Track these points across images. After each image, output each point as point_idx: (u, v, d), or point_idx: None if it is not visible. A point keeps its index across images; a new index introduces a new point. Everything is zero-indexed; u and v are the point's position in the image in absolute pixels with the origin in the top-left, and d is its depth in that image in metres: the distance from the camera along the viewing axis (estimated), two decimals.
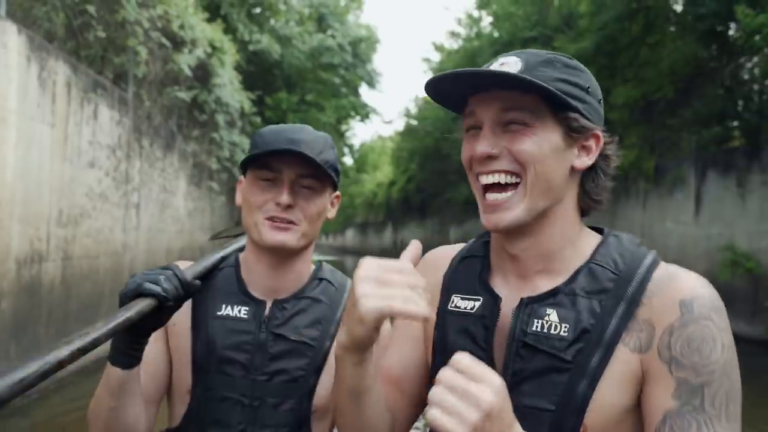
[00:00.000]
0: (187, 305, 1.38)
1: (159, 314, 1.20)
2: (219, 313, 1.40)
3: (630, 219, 15.74)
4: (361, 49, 22.64)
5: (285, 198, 1.36)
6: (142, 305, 1.16)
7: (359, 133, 63.63)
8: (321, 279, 1.49)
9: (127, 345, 1.21)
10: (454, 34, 27.62)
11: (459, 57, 23.69)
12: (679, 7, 12.55)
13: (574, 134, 1.06)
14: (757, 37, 9.14)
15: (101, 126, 8.16)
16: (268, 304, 1.41)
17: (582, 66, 1.11)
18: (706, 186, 12.95)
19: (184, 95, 10.54)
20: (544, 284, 1.08)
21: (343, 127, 26.29)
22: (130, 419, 1.28)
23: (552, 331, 1.01)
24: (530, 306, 1.04)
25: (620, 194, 15.85)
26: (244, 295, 1.42)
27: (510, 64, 1.05)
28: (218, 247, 1.52)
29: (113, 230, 8.66)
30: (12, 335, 6.08)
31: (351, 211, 69.64)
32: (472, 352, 0.95)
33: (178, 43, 10.13)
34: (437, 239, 37.78)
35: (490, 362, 1.04)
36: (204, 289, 1.40)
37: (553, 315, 1.03)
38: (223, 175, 14.84)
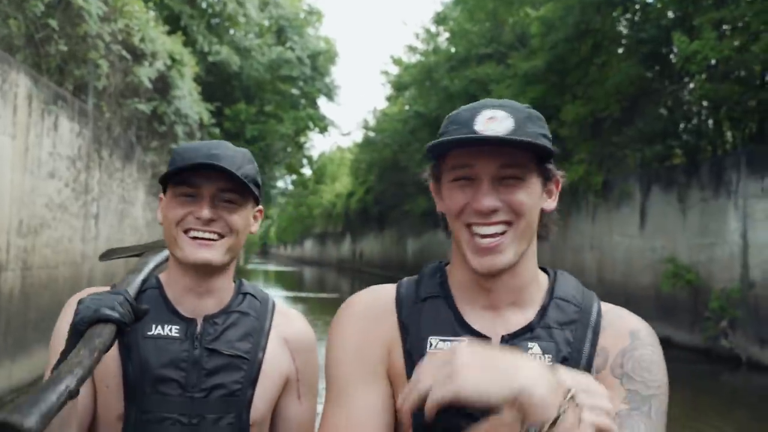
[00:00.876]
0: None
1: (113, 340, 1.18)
2: (150, 333, 1.37)
3: (581, 231, 16.34)
4: (319, 61, 22.93)
5: (206, 212, 1.35)
6: (105, 333, 1.13)
7: (318, 144, 63.78)
8: (245, 293, 1.50)
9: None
10: (411, 49, 28.11)
11: (416, 71, 24.18)
12: (624, 30, 13.16)
13: (547, 181, 1.17)
14: (692, 63, 9.73)
15: (61, 137, 8.23)
16: (199, 321, 1.41)
17: (538, 113, 1.18)
18: (650, 201, 13.58)
19: (144, 107, 10.64)
20: (515, 317, 1.15)
21: (302, 139, 26.48)
22: None
23: None
24: (511, 342, 1.11)
25: (571, 207, 16.45)
26: (172, 314, 1.40)
27: (499, 119, 1.10)
28: (133, 267, 1.50)
29: (72, 240, 8.71)
30: None
31: (310, 221, 69.49)
32: None
33: (138, 56, 10.24)
34: (395, 250, 38.13)
35: None
36: None
37: (535, 348, 1.10)
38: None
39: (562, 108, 15.17)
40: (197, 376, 1.36)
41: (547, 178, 1.16)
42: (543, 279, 1.21)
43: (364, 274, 44.25)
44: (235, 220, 1.39)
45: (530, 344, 1.10)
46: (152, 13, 10.75)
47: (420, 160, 22.29)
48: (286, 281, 37.94)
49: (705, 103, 12.00)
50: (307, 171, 32.19)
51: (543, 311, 1.15)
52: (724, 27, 10.47)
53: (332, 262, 61.58)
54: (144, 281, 1.45)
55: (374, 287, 1.28)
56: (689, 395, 8.75)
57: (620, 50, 13.39)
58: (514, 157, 1.10)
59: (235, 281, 1.52)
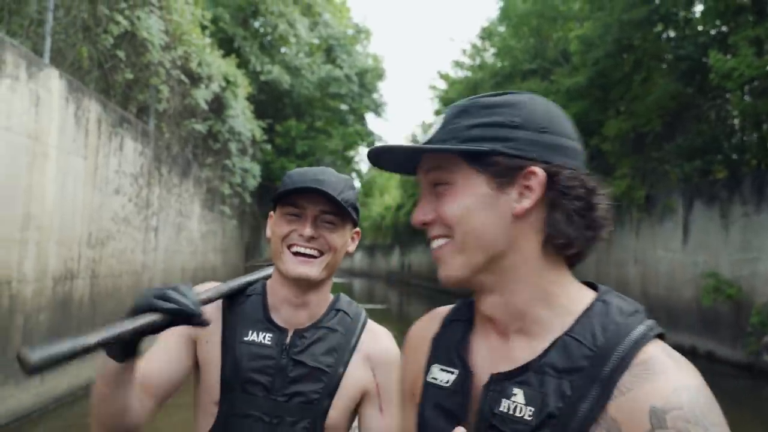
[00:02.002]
0: (217, 325, 1.55)
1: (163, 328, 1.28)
2: (246, 339, 1.52)
3: (625, 246, 16.38)
4: (367, 79, 23.56)
5: (308, 230, 1.50)
6: (153, 318, 1.23)
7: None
8: (338, 310, 1.61)
9: (125, 342, 1.24)
10: (458, 64, 28.51)
11: (462, 87, 24.53)
12: (664, 47, 13.30)
13: (503, 178, 0.95)
14: (729, 80, 9.87)
15: (126, 156, 8.96)
16: (290, 332, 1.53)
17: (512, 100, 1.00)
18: (692, 216, 13.60)
19: (200, 127, 11.36)
20: (521, 349, 0.96)
21: (351, 153, 27.16)
22: (119, 407, 1.34)
23: (517, 414, 0.90)
24: (500, 383, 0.94)
25: (616, 222, 16.41)
26: (268, 323, 1.54)
27: (435, 123, 1.03)
28: (243, 275, 1.65)
29: (134, 251, 9.42)
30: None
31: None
32: (445, 430, 0.97)
33: (195, 79, 10.98)
34: None
35: None
36: (233, 314, 1.56)
37: (519, 396, 0.91)
38: (234, 200, 15.63)
39: (605, 123, 15.33)
40: (281, 382, 1.49)
41: (500, 174, 0.95)
42: (580, 303, 0.96)
43: (411, 286, 44.58)
44: (334, 239, 1.53)
45: (516, 390, 0.92)
46: (208, 40, 11.43)
47: None
48: (336, 292, 38.49)
49: (746, 119, 12.03)
50: (356, 184, 32.79)
51: (548, 350, 0.93)
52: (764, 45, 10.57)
53: (381, 274, 62.08)
54: (249, 284, 1.61)
55: (436, 310, 1.20)
56: (730, 410, 8.84)
57: (663, 66, 13.49)
58: (433, 161, 1.01)
59: (333, 296, 1.65)
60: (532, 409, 0.89)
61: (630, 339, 0.89)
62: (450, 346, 1.06)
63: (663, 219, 14.57)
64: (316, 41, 22.69)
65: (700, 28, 11.58)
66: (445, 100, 29.91)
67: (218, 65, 12.10)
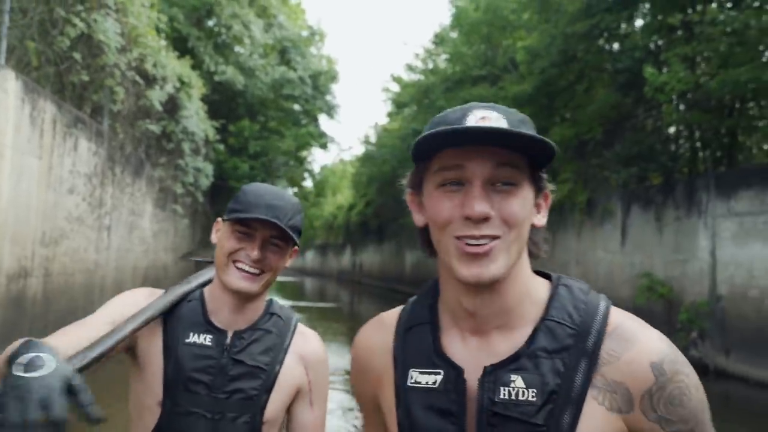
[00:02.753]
0: (158, 329, 1.64)
1: None
2: (187, 341, 1.61)
3: (566, 247, 17.06)
4: (321, 81, 23.83)
5: (256, 254, 1.59)
6: None
7: (321, 157, 64.53)
8: (272, 313, 1.73)
9: None
10: (411, 68, 28.98)
11: (414, 90, 25.00)
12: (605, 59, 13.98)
13: (539, 192, 1.08)
14: (661, 93, 10.53)
15: (80, 156, 9.05)
16: (229, 334, 1.64)
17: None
18: (630, 219, 14.31)
19: (155, 127, 11.47)
20: (502, 343, 1.05)
21: (303, 154, 27.32)
22: None
23: (520, 398, 0.99)
24: (494, 373, 1.02)
25: (558, 225, 17.22)
26: (208, 325, 1.64)
27: (493, 119, 1.01)
28: (186, 279, 1.75)
29: (87, 250, 9.51)
30: (0, 342, 6.92)
31: (311, 233, 70.02)
32: (443, 429, 1.03)
33: (150, 80, 11.09)
34: (394, 262, 38.72)
35: None
36: (173, 318, 1.64)
37: (518, 381, 1.00)
38: (187, 199, 15.70)
39: (549, 129, 15.94)
40: (222, 380, 1.58)
41: (539, 189, 1.07)
42: (542, 293, 1.09)
43: (363, 285, 44.90)
44: (277, 260, 1.64)
45: (513, 377, 1.00)
46: (163, 42, 11.54)
47: None
48: (287, 291, 38.47)
49: (680, 128, 12.77)
50: (308, 184, 33.00)
51: (533, 336, 1.03)
52: (697, 59, 11.28)
53: (333, 273, 62.22)
54: (188, 293, 1.70)
55: (380, 316, 1.26)
56: None
57: (603, 77, 14.18)
58: (510, 158, 1.01)
59: (267, 300, 1.77)
60: (534, 390, 0.99)
61: (599, 313, 1.05)
62: (424, 350, 1.10)
63: (603, 222, 15.26)
64: (270, 42, 22.82)
65: (638, 42, 12.23)
66: (398, 103, 30.37)
67: (173, 66, 12.21)
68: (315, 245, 76.30)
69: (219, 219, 1.71)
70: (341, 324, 19.62)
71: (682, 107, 12.43)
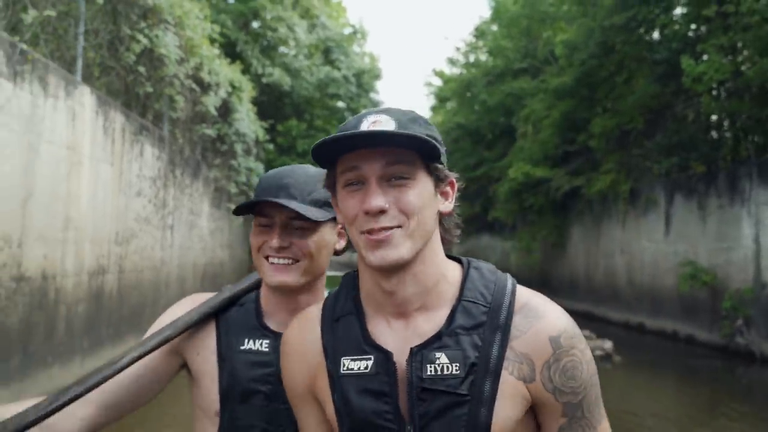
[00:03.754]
0: (212, 335, 1.53)
1: None
2: (242, 348, 1.48)
3: (611, 237, 17.22)
4: (364, 79, 24.37)
5: (275, 242, 1.44)
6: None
7: None
8: None
9: None
10: (452, 61, 29.27)
11: (455, 85, 25.30)
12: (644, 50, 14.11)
13: (440, 183, 1.17)
14: (698, 83, 10.70)
15: (146, 161, 9.76)
16: None
17: (425, 118, 1.20)
18: (673, 208, 14.42)
19: (210, 131, 12.16)
20: (425, 323, 1.16)
21: None
22: None
23: (445, 372, 1.09)
24: (420, 353, 1.11)
25: (603, 215, 17.40)
26: (264, 329, 1.50)
27: (383, 122, 1.12)
28: (238, 282, 1.65)
29: (154, 248, 10.24)
30: (85, 333, 7.65)
31: None
32: (378, 409, 1.11)
33: (205, 87, 11.76)
34: None
35: (397, 412, 1.11)
36: (226, 324, 1.53)
37: (442, 357, 1.10)
38: (240, 198, 16.43)
39: (592, 121, 16.12)
40: (282, 389, 1.40)
41: (438, 178, 1.17)
42: (455, 273, 1.21)
43: None
44: (306, 245, 1.46)
45: (437, 354, 1.11)
46: (216, 51, 12.21)
47: (463, 168, 23.43)
48: (335, 285, 39.26)
49: (722, 117, 12.84)
50: None
51: (451, 316, 1.14)
52: (735, 47, 11.38)
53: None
54: (238, 296, 1.58)
55: (302, 313, 1.32)
56: (708, 389, 9.69)
57: (642, 68, 14.30)
58: (399, 156, 1.11)
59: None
60: (457, 364, 1.09)
61: (508, 291, 1.17)
62: (353, 338, 1.18)
63: (647, 211, 15.39)
64: (314, 42, 23.44)
65: (676, 32, 12.37)
66: (441, 97, 30.71)
67: (225, 73, 12.88)
68: None
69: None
70: None
71: (723, 95, 12.53)
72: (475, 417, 1.08)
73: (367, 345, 1.16)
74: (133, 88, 8.98)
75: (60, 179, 6.97)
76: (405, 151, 1.11)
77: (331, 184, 1.21)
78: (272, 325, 1.52)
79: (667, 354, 12.64)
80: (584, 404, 1.15)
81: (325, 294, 1.54)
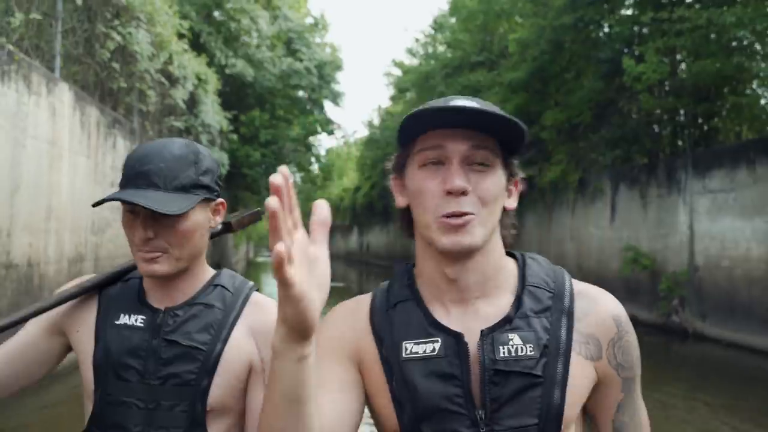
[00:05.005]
0: (92, 311, 1.47)
1: None
2: (117, 322, 1.44)
3: (562, 224, 18.14)
4: (326, 70, 24.81)
5: (141, 234, 1.38)
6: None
7: (327, 141, 65.28)
8: (216, 285, 1.50)
9: None
10: (411, 52, 29.91)
11: (414, 77, 25.95)
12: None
13: (511, 177, 1.18)
14: (638, 82, 11.59)
15: (118, 153, 10.18)
16: (162, 312, 1.45)
17: None
18: (618, 197, 15.36)
19: (179, 123, 12.58)
20: (489, 309, 1.15)
21: (311, 140, 28.45)
22: None
23: (520, 353, 1.09)
24: (491, 335, 1.10)
25: (554, 203, 18.32)
26: (141, 305, 1.46)
27: (469, 103, 1.10)
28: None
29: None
30: None
31: None
32: (447, 392, 1.09)
33: (173, 81, 12.17)
34: (400, 242, 39.79)
35: (468, 396, 1.08)
36: (108, 300, 1.48)
37: (515, 338, 1.10)
38: None
39: (543, 113, 16.95)
40: (154, 365, 1.40)
41: (510, 174, 1.18)
42: (512, 266, 1.22)
43: (371, 266, 46.00)
44: (173, 234, 1.40)
45: (510, 335, 1.10)
46: (185, 46, 12.60)
47: None
48: None
49: (661, 113, 13.80)
50: (315, 169, 34.17)
51: (518, 300, 1.15)
52: (672, 49, 12.30)
53: (340, 254, 63.38)
54: (123, 273, 1.54)
55: (353, 300, 1.28)
56: (649, 363, 10.55)
57: (588, 66, 15.18)
58: (483, 141, 1.11)
59: (218, 270, 1.56)
60: (531, 345, 1.09)
61: (567, 279, 1.19)
62: (416, 322, 1.15)
63: (594, 200, 16.31)
64: (276, 32, 23.78)
65: (617, 34, 13.26)
66: (400, 87, 31.33)
67: (192, 66, 13.28)
68: None
69: None
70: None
71: (662, 93, 13.47)
72: (549, 399, 1.08)
73: (432, 328, 1.13)
74: (107, 83, 9.38)
75: (43, 172, 7.41)
76: (488, 138, 1.12)
77: (400, 164, 1.21)
78: (152, 301, 1.47)
79: None
80: (636, 381, 1.20)
81: (210, 271, 1.53)
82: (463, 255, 1.12)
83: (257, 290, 1.55)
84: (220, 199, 1.52)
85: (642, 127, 13.61)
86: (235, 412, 1.46)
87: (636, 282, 14.31)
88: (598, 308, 1.17)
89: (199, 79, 14.00)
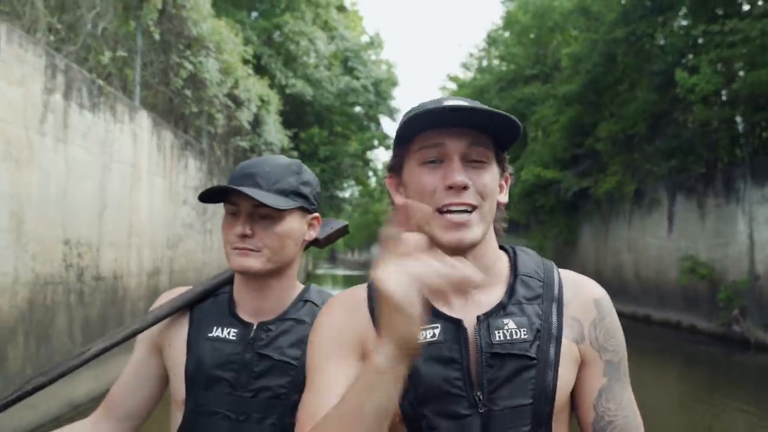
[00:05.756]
0: (184, 326, 1.53)
1: None
2: (210, 335, 1.48)
3: (619, 235, 18.13)
4: (382, 87, 25.43)
5: (239, 229, 1.44)
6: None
7: (384, 155, 65.87)
8: (306, 300, 1.53)
9: None
10: (466, 67, 30.25)
11: (469, 91, 26.27)
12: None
13: (502, 172, 1.23)
14: (691, 94, 11.67)
15: (189, 173, 10.91)
16: (254, 326, 1.48)
17: None
18: (675, 207, 15.32)
19: (244, 143, 13.31)
20: (485, 297, 1.19)
21: (368, 155, 29.12)
22: None
23: (515, 336, 1.14)
24: (486, 321, 1.15)
25: (610, 214, 18.33)
26: (233, 318, 1.50)
27: (462, 102, 1.15)
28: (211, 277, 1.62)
29: (196, 251, 11.39)
30: None
31: (375, 227, 71.64)
32: (448, 375, 1.12)
33: (238, 103, 12.90)
34: None
35: (467, 379, 1.12)
36: (200, 314, 1.53)
37: (510, 323, 1.15)
38: None
39: (598, 125, 17.06)
40: (246, 377, 1.43)
41: (503, 169, 1.23)
42: (504, 258, 1.27)
43: None
44: (269, 236, 1.45)
45: (505, 320, 1.15)
46: (250, 70, 13.34)
47: None
48: (355, 284, 40.01)
49: (719, 123, 13.76)
50: (373, 182, 34.83)
51: (511, 289, 1.20)
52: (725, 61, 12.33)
53: None
54: (216, 287, 1.58)
55: (349, 290, 1.30)
56: (707, 374, 10.60)
57: (642, 78, 15.26)
58: (480, 138, 1.15)
59: (305, 285, 1.60)
60: (525, 329, 1.15)
61: (554, 269, 1.26)
62: None
63: (651, 210, 16.30)
64: (333, 51, 24.54)
65: (670, 47, 13.34)
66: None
67: (255, 88, 14.02)
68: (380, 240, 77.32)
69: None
70: None
71: (718, 103, 13.45)
72: (543, 380, 1.13)
73: (432, 314, 1.16)
74: (180, 108, 10.11)
75: (125, 193, 8.11)
76: (483, 135, 1.16)
77: (397, 164, 1.23)
78: (242, 314, 1.51)
79: (672, 342, 13.57)
80: (621, 366, 1.22)
81: (299, 286, 1.58)
82: (466, 250, 1.16)
83: None
84: (317, 214, 1.58)
85: (698, 137, 13.60)
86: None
87: (694, 291, 14.23)
88: (580, 293, 1.23)
89: (262, 101, 14.73)
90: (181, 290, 1.57)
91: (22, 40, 5.74)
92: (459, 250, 1.13)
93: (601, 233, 19.18)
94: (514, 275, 1.23)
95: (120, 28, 7.90)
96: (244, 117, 12.70)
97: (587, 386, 1.20)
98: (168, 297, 1.56)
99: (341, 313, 1.22)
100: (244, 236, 1.44)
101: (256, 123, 14.76)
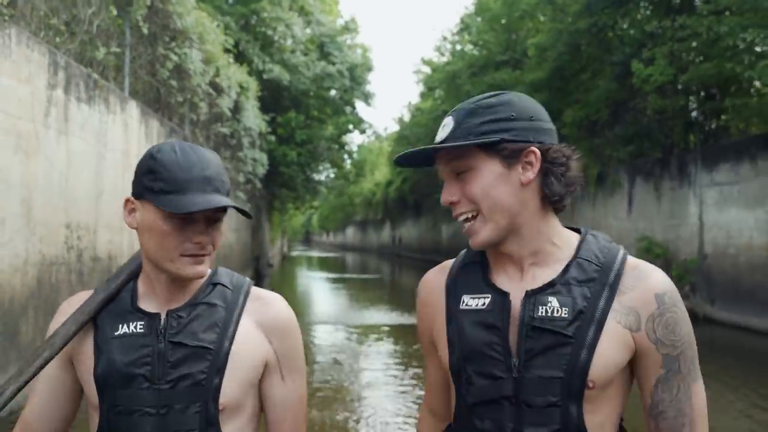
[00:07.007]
0: (89, 332, 1.44)
1: None
2: (117, 333, 1.40)
3: (583, 216, 19.01)
4: (357, 72, 25.99)
5: (202, 238, 1.36)
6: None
7: (359, 138, 66.23)
8: (215, 284, 1.47)
9: None
10: (440, 51, 30.87)
11: (442, 76, 26.92)
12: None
13: (511, 159, 1.25)
14: (646, 84, 12.52)
15: None
16: (163, 316, 1.41)
17: (505, 99, 1.29)
18: (635, 189, 16.25)
19: (225, 129, 13.87)
20: (540, 274, 1.29)
21: (344, 138, 29.71)
22: None
23: (555, 314, 1.23)
24: (534, 296, 1.25)
25: (577, 196, 19.08)
26: (138, 312, 1.42)
27: (447, 125, 1.29)
28: (117, 271, 1.50)
29: None
30: None
31: (351, 209, 72.15)
32: (489, 340, 1.26)
33: (219, 91, 13.46)
34: (431, 235, 40.79)
35: (506, 345, 1.25)
36: (103, 316, 1.44)
37: (554, 302, 1.23)
38: (247, 186, 18.14)
39: (565, 111, 17.85)
40: (162, 369, 1.37)
41: (508, 156, 1.25)
42: (573, 240, 1.33)
43: (402, 258, 47.06)
44: (217, 236, 1.41)
45: (550, 298, 1.24)
46: (231, 60, 13.87)
47: None
48: (330, 265, 40.66)
49: (673, 111, 14.66)
50: (348, 164, 35.43)
51: (566, 270, 1.27)
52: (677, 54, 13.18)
53: (373, 248, 64.55)
54: (119, 290, 1.47)
55: (443, 263, 1.48)
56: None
57: (603, 68, 16.09)
58: (456, 152, 1.26)
59: (210, 270, 1.49)
60: (566, 308, 1.23)
61: (619, 255, 1.30)
62: (476, 279, 1.34)
63: (613, 193, 17.22)
64: (309, 36, 24.99)
65: (627, 39, 14.16)
66: (429, 85, 32.32)
67: (235, 76, 14.57)
68: (355, 221, 78.24)
69: (131, 198, 1.40)
70: (383, 292, 22.01)
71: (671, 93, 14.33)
72: (576, 358, 1.20)
73: (486, 285, 1.31)
74: (165, 98, 10.67)
75: (118, 179, 8.70)
76: (459, 149, 1.26)
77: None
78: (147, 306, 1.43)
79: None
80: (681, 359, 1.24)
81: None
82: (488, 248, 1.32)
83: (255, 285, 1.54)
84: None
85: (654, 124, 14.48)
86: (247, 410, 1.45)
87: None
88: (642, 284, 1.26)
89: (242, 87, 15.27)
90: (82, 297, 1.48)
91: (29, 41, 6.30)
92: (483, 249, 1.34)
93: (568, 214, 19.88)
94: (574, 257, 1.30)
95: (112, 24, 8.44)
96: (225, 104, 13.26)
97: (645, 374, 1.27)
98: (69, 308, 1.46)
99: (419, 310, 1.48)
100: (205, 244, 1.36)
101: (236, 109, 15.30)
